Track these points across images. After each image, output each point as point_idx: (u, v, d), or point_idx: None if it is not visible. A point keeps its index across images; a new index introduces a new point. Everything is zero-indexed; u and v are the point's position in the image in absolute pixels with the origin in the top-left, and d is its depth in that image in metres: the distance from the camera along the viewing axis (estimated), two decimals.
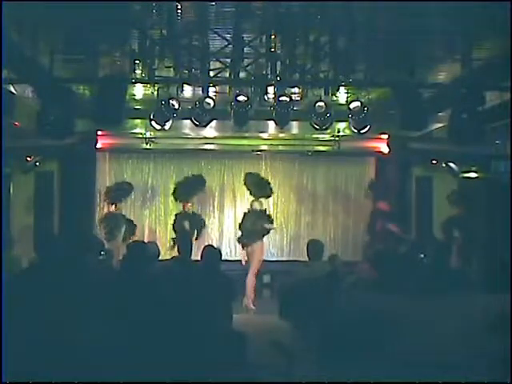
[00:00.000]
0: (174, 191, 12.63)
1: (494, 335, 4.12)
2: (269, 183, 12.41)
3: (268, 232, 11.48)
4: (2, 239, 9.99)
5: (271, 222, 11.59)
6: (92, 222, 12.94)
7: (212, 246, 7.36)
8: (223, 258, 7.27)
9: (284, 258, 13.62)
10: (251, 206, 11.62)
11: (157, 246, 11.45)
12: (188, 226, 12.03)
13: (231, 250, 13.13)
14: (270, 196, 12.37)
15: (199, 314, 4.84)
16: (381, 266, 5.25)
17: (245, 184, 12.37)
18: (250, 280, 11.10)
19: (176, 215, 12.39)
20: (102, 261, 9.45)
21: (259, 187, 12.14)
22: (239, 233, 11.58)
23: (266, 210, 11.71)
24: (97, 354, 4.28)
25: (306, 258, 7.54)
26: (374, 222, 12.20)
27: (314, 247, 7.54)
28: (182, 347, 4.40)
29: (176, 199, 12.64)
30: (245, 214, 11.64)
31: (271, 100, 9.17)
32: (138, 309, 4.66)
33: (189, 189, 12.53)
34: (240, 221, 11.66)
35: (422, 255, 7.99)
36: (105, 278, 5.90)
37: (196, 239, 11.72)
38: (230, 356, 4.53)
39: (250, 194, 12.16)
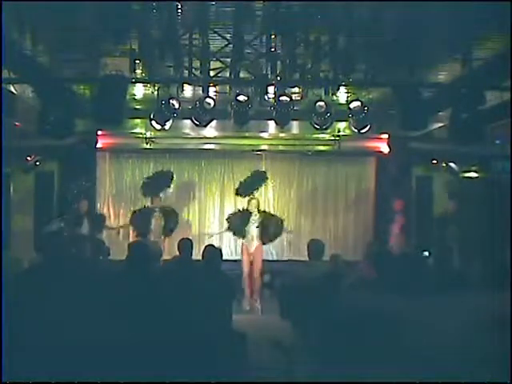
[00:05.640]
0: (142, 186, 12.36)
1: (494, 335, 4.12)
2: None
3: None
4: (2, 239, 9.98)
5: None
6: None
7: (213, 245, 7.32)
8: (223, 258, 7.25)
9: (284, 258, 13.60)
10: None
11: (159, 246, 11.52)
12: (155, 222, 11.75)
13: (231, 250, 13.11)
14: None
15: (199, 313, 4.84)
16: (381, 265, 5.25)
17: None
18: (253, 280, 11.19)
19: (141, 210, 12.05)
20: (102, 260, 9.49)
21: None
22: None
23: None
24: (96, 354, 4.28)
25: (307, 258, 7.53)
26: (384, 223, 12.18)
27: (315, 247, 7.51)
28: (182, 347, 4.40)
29: (144, 194, 12.33)
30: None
31: (271, 100, 9.17)
32: (138, 309, 4.66)
33: (156, 184, 12.25)
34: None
35: (427, 253, 7.99)
36: (105, 277, 5.89)
37: (166, 235, 11.68)
38: (230, 356, 4.53)
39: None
